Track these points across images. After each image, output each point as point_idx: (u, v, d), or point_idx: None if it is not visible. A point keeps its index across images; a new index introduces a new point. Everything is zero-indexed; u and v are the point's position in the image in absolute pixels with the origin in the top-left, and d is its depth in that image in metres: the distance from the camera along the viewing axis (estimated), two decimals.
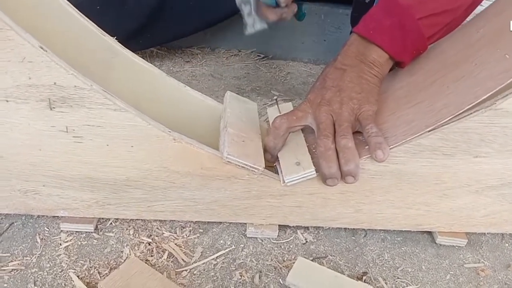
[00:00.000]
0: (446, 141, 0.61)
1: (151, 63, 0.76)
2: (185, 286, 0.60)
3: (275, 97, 1.05)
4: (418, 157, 0.62)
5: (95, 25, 0.72)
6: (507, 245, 0.73)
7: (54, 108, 0.57)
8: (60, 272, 0.61)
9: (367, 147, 0.62)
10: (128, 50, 0.75)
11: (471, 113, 0.59)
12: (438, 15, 0.65)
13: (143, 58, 0.75)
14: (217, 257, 0.65)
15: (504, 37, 0.59)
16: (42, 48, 0.54)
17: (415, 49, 0.67)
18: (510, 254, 0.71)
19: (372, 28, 0.65)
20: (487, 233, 0.74)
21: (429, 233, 0.72)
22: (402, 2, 0.64)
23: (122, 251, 0.64)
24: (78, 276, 0.60)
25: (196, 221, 0.69)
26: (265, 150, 0.66)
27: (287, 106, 0.79)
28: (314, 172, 0.62)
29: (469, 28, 0.71)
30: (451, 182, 0.65)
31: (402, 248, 0.70)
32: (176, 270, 0.62)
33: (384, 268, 0.66)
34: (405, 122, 0.63)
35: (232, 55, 1.24)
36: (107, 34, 0.73)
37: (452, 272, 0.67)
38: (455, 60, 0.67)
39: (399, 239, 0.71)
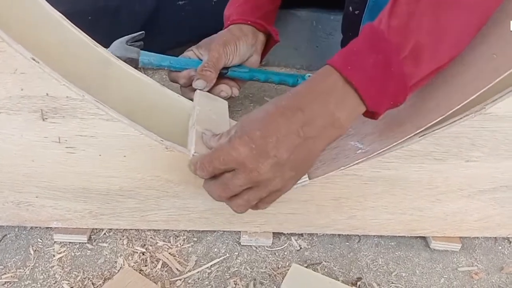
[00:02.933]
0: (438, 146, 0.61)
1: (144, 73, 0.76)
2: None
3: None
4: (410, 163, 0.62)
5: (88, 37, 0.72)
6: (500, 248, 0.73)
7: (46, 119, 0.57)
8: (54, 283, 0.60)
9: (359, 151, 0.63)
10: (122, 61, 0.75)
11: (461, 118, 0.59)
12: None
13: (136, 68, 0.75)
14: (211, 265, 0.65)
15: (491, 37, 0.59)
16: (34, 59, 0.54)
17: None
18: (503, 257, 0.71)
19: (352, 64, 0.50)
20: (481, 237, 0.74)
21: (423, 237, 0.73)
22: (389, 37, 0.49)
23: (116, 262, 0.64)
24: None
25: (190, 230, 0.69)
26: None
27: None
28: (307, 178, 0.62)
29: None
30: (444, 186, 0.65)
31: (396, 253, 0.70)
32: (171, 280, 0.62)
33: (378, 273, 0.66)
34: (396, 125, 0.63)
35: None
36: (100, 46, 0.73)
37: (446, 276, 0.67)
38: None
39: (393, 244, 0.71)
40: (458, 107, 0.58)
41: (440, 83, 0.63)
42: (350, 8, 0.92)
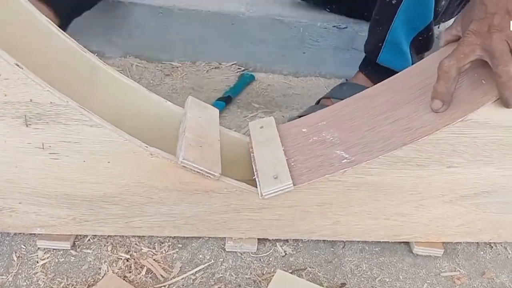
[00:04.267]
0: (420, 152, 0.62)
1: (130, 77, 0.76)
2: None
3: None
4: (393, 169, 0.63)
5: (76, 42, 0.72)
6: (482, 253, 0.74)
7: (30, 124, 0.57)
8: None
9: (344, 161, 0.63)
10: (109, 66, 0.75)
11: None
12: None
13: (123, 72, 0.75)
14: (196, 272, 0.65)
15: (482, 65, 0.61)
16: (17, 65, 0.54)
17: None
18: (485, 262, 0.72)
19: None
20: (463, 242, 0.75)
21: (407, 243, 0.73)
22: None
23: (100, 268, 0.64)
24: None
25: (175, 236, 0.69)
26: (435, 97, 0.61)
27: (269, 120, 0.78)
28: (292, 185, 0.62)
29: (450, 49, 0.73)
30: (426, 192, 0.66)
31: (380, 259, 0.71)
32: (155, 286, 0.62)
33: (362, 278, 0.67)
34: (383, 139, 0.64)
35: (212, 68, 1.24)
36: (87, 51, 0.73)
37: (429, 281, 0.68)
38: (434, 80, 0.68)
39: (377, 249, 0.72)
40: (444, 127, 0.60)
41: (426, 104, 0.64)
42: None
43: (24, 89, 0.55)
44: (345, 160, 0.63)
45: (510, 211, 0.70)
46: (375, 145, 0.64)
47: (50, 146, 0.59)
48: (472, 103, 0.60)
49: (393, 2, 0.90)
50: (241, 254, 0.68)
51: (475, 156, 0.63)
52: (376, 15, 0.96)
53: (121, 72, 0.75)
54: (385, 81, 0.74)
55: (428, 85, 0.66)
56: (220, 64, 1.26)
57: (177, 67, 1.21)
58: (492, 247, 0.75)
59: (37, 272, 0.62)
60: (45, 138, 0.58)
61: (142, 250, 0.67)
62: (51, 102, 0.56)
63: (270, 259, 0.68)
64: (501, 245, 0.76)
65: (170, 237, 0.69)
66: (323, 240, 0.72)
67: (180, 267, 0.65)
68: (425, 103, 0.64)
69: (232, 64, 1.26)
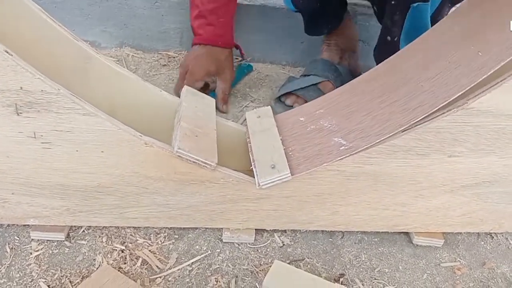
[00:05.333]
0: (420, 141, 0.61)
1: (126, 67, 0.75)
2: None
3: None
4: (393, 158, 0.62)
5: (69, 31, 0.71)
6: (482, 243, 0.73)
7: (21, 113, 0.56)
8: (30, 282, 0.59)
9: (342, 148, 0.62)
10: (103, 56, 0.73)
11: (443, 113, 0.59)
12: None
13: (118, 62, 0.74)
14: (192, 263, 0.64)
15: (476, 35, 0.59)
16: (7, 52, 0.53)
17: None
18: (485, 252, 0.71)
19: None
20: (464, 232, 0.74)
21: (406, 233, 0.72)
22: None
23: (94, 259, 0.63)
24: (48, 286, 0.58)
25: (171, 227, 0.68)
26: None
27: (266, 110, 0.78)
28: (290, 174, 0.61)
29: (441, 26, 0.72)
30: (426, 182, 0.65)
31: (379, 249, 0.70)
32: (150, 277, 0.61)
33: (361, 269, 0.66)
34: (380, 122, 0.63)
35: None
36: (81, 40, 0.72)
37: (428, 272, 0.67)
38: (429, 58, 0.67)
39: (376, 240, 0.71)
40: (443, 104, 0.58)
41: (424, 81, 0.63)
42: (388, 38, 0.89)
43: (14, 76, 0.53)
44: (343, 147, 0.62)
45: (511, 201, 0.69)
46: (371, 129, 0.62)
47: (42, 135, 0.57)
48: (468, 77, 0.58)
49: (394, 40, 0.89)
50: (238, 245, 0.67)
51: (477, 145, 0.62)
52: (379, 52, 0.95)
53: (117, 63, 0.74)
54: (380, 64, 0.73)
55: (425, 62, 0.65)
56: None
57: (174, 57, 1.19)
58: (493, 237, 0.74)
59: (30, 264, 0.61)
60: (37, 127, 0.57)
61: (138, 241, 0.66)
62: (42, 90, 0.54)
63: (268, 249, 0.67)
64: (502, 235, 0.75)
65: (166, 228, 0.68)
66: (322, 231, 0.71)
67: (176, 258, 0.64)
68: (422, 82, 0.63)
69: None
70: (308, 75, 1.03)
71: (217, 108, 0.78)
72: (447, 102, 0.59)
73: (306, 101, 0.91)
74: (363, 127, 0.64)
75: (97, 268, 0.61)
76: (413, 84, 0.65)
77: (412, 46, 0.72)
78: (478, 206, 0.69)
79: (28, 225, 0.66)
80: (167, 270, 0.62)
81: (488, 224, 0.72)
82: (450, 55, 0.65)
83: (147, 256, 0.63)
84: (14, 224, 0.66)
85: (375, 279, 0.64)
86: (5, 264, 0.61)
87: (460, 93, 0.58)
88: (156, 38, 1.21)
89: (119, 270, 0.60)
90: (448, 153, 0.62)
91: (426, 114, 0.59)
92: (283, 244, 0.68)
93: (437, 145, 0.61)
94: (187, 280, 0.61)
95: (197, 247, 0.66)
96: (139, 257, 0.63)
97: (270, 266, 0.61)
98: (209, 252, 0.66)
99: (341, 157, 0.61)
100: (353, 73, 1.09)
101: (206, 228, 0.69)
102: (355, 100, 0.68)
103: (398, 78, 0.68)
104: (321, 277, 0.62)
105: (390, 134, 0.60)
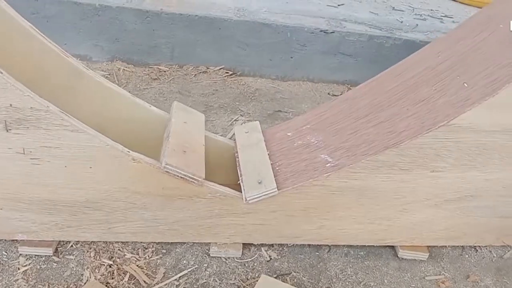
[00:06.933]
0: (403, 157, 0.62)
1: (117, 81, 0.76)
2: None
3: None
4: (377, 173, 0.63)
5: (59, 47, 0.72)
6: (467, 256, 0.74)
7: (10, 130, 0.56)
8: None
9: (328, 165, 0.63)
10: (92, 71, 0.74)
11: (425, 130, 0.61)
12: None
13: (110, 76, 0.74)
14: (179, 277, 0.64)
15: (463, 64, 0.61)
16: None
17: None
18: (469, 265, 0.73)
19: None
20: (448, 246, 0.75)
21: (392, 247, 0.73)
22: None
23: (82, 274, 0.63)
24: None
25: (159, 242, 0.69)
26: None
27: (254, 125, 0.78)
28: (276, 189, 0.62)
29: (429, 50, 0.74)
30: (410, 196, 0.66)
31: (365, 263, 0.71)
32: None
33: (347, 283, 0.67)
34: (366, 142, 0.64)
35: (200, 72, 1.24)
36: (70, 56, 0.73)
37: (413, 285, 0.68)
38: (415, 82, 0.68)
39: (362, 253, 0.72)
40: (428, 131, 0.60)
41: (410, 106, 0.65)
42: None
43: (4, 94, 0.54)
44: (329, 164, 0.63)
45: (494, 215, 0.71)
46: (358, 148, 0.64)
47: (31, 151, 0.58)
48: (454, 108, 0.60)
49: None
50: (226, 259, 0.68)
51: (459, 160, 0.63)
52: None
53: (107, 77, 0.75)
54: (367, 82, 0.74)
55: (411, 85, 0.66)
56: (207, 68, 1.26)
57: (165, 71, 1.21)
58: (477, 250, 0.76)
59: (17, 279, 0.61)
60: (26, 143, 0.57)
61: (126, 256, 0.66)
62: (31, 107, 0.55)
63: (255, 264, 0.68)
64: (486, 249, 0.76)
65: (154, 242, 0.68)
66: (308, 245, 0.72)
67: (164, 273, 0.64)
68: (408, 105, 0.65)
69: (220, 68, 1.26)
70: None
71: None
72: (431, 130, 0.60)
73: None
74: (349, 145, 0.65)
75: (84, 283, 0.61)
76: (398, 107, 0.67)
77: (403, 63, 0.74)
78: (461, 220, 0.70)
79: (16, 240, 0.66)
80: (154, 285, 0.62)
81: (471, 237, 0.73)
82: (436, 81, 0.66)
83: (135, 271, 0.64)
84: (2, 240, 0.66)
85: None
86: None
87: (443, 123, 0.60)
88: (147, 52, 1.22)
89: (106, 285, 0.61)
90: (430, 168, 0.64)
91: (412, 138, 0.61)
92: (270, 258, 0.69)
93: (420, 161, 0.63)
94: None
95: (184, 261, 0.67)
96: (127, 272, 0.64)
97: (257, 281, 0.62)
98: (196, 266, 0.66)
99: (327, 174, 0.63)
100: None
101: (193, 242, 0.69)
102: (341, 117, 0.70)
103: (384, 98, 0.70)
104: None
105: (376, 154, 0.62)
